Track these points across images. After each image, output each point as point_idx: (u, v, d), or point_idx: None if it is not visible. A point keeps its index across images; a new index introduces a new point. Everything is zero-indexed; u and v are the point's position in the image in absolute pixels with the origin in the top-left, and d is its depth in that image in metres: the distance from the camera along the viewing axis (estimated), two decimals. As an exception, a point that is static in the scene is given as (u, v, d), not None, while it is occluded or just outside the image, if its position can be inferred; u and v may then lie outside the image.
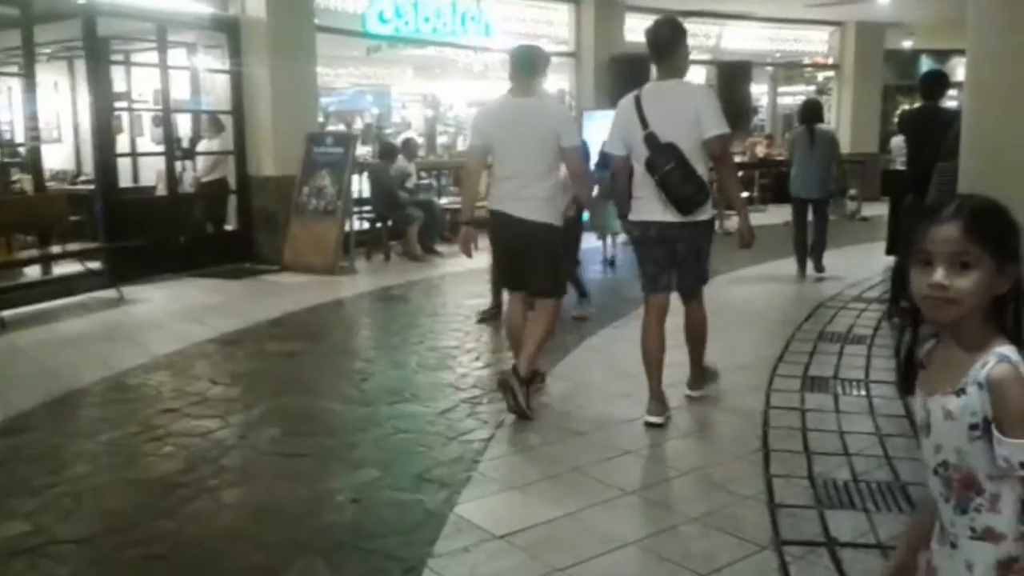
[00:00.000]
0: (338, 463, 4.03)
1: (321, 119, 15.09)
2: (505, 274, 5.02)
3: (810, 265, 8.75)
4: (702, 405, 4.85)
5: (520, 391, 4.48)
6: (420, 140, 14.31)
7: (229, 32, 9.69)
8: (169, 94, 9.34)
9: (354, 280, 9.10)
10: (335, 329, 7.05)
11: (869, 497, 3.53)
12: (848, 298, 7.66)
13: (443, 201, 12.57)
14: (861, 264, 9.71)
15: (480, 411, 4.73)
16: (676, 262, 4.46)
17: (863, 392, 4.94)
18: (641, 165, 4.37)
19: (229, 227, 10.22)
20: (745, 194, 4.93)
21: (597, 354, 5.99)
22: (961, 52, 19.21)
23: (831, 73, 18.21)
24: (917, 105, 7.61)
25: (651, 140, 4.30)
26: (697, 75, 16.56)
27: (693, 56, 15.20)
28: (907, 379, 1.65)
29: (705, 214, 4.42)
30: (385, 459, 4.09)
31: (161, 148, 9.71)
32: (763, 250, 9.19)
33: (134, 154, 11.02)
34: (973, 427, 1.47)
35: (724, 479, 3.75)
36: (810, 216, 8.79)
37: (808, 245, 8.77)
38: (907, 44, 19.80)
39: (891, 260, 9.23)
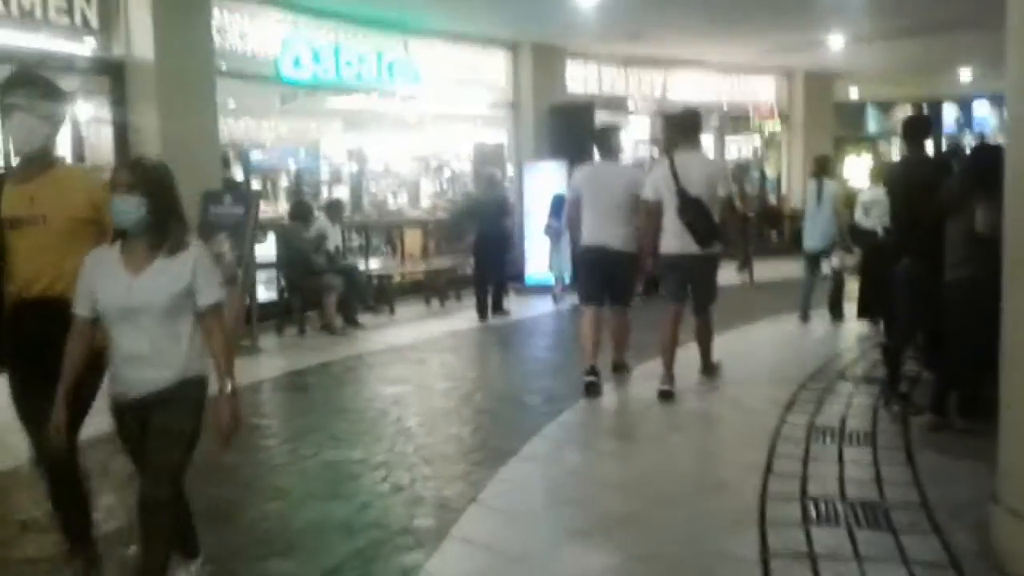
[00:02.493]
0: None
1: (242, 177, 13.87)
2: (593, 290, 6.37)
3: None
4: (678, 560, 3.64)
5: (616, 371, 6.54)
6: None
7: (113, 76, 8.42)
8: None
9: (256, 362, 7.74)
10: (209, 435, 5.63)
11: None
12: (832, 375, 6.59)
13: (373, 265, 11.38)
14: (832, 331, 8.75)
15: (378, 571, 3.45)
16: (692, 283, 6.08)
17: (884, 523, 3.77)
18: (673, 210, 5.91)
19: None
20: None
21: (538, 465, 4.76)
22: (906, 102, 18.96)
23: (777, 125, 17.55)
24: (901, 156, 6.69)
25: (683, 194, 5.86)
26: (643, 125, 15.77)
27: (638, 106, 14.14)
28: None
29: (716, 248, 6.03)
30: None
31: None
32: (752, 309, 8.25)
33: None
34: None
35: None
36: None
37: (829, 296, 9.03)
38: (853, 95, 19.37)
39: (863, 327, 8.30)
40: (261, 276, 9.28)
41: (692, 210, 5.83)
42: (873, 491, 4.15)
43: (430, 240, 12.62)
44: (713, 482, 4.35)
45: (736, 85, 16.50)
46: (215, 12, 9.11)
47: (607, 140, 6.54)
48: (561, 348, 8.68)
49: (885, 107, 20.96)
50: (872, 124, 21.12)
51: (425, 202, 14.67)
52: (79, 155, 9.15)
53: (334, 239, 9.72)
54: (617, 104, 14.54)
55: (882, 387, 5.89)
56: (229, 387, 2.94)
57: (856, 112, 20.63)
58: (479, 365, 7.97)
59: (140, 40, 8.32)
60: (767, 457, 4.67)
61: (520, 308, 10.45)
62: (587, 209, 6.24)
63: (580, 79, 14.07)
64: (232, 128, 14.06)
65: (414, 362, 7.66)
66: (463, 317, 10.04)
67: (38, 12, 7.77)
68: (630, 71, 14.88)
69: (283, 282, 9.32)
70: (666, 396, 5.98)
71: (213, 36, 9.01)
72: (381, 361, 7.74)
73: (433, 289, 11.11)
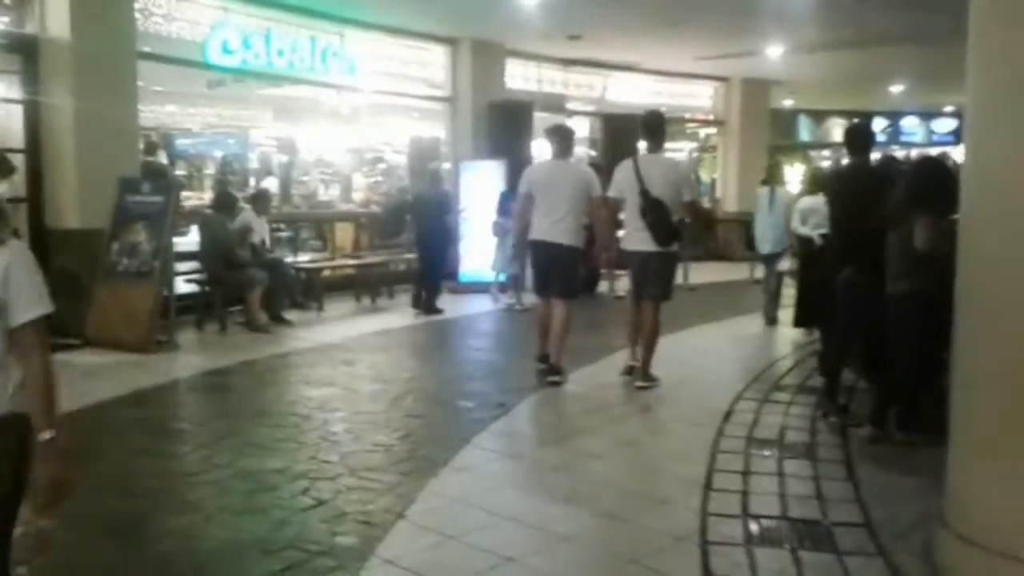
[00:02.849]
0: None
1: (165, 161, 13.29)
2: (540, 283, 6.58)
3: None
4: None
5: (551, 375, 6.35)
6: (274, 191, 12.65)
7: (25, 54, 7.89)
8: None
9: (172, 360, 7.34)
10: (115, 441, 5.22)
11: None
12: (767, 386, 6.49)
13: (302, 259, 10.97)
14: (767, 337, 8.73)
15: (293, 596, 3.17)
16: (647, 278, 6.23)
17: (828, 544, 3.64)
18: (636, 210, 6.12)
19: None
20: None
21: (471, 477, 4.51)
22: (837, 113, 19.34)
23: (714, 130, 17.65)
24: (844, 162, 6.63)
25: (645, 195, 6.07)
26: (581, 126, 15.65)
27: (576, 107, 14.37)
28: None
29: (675, 247, 6.27)
30: None
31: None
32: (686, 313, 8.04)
33: None
34: None
35: None
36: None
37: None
38: (787, 103, 19.60)
39: (799, 334, 8.28)
40: (182, 268, 8.84)
41: (653, 211, 6.03)
42: (815, 509, 4.02)
43: (362, 234, 12.26)
44: (653, 498, 4.18)
45: (674, 89, 16.50)
46: (138, -9, 8.63)
47: (560, 139, 6.68)
48: (496, 349, 8.49)
49: (817, 116, 21.32)
50: (804, 133, 21.46)
51: (358, 195, 14.29)
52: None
53: (260, 231, 9.32)
54: (556, 104, 14.37)
55: (820, 397, 5.82)
56: (48, 434, 2.22)
57: (789, 120, 20.92)
58: (410, 366, 7.67)
59: (55, 17, 7.81)
60: (707, 471, 4.52)
61: (455, 307, 10.20)
62: (537, 205, 6.41)
63: (520, 78, 13.85)
64: (157, 113, 13.48)
65: (342, 362, 7.34)
66: (395, 315, 9.75)
67: (-58, -17, 7.23)
68: (569, 72, 14.73)
69: (205, 275, 8.87)
70: (632, 371, 6.38)
71: (134, 16, 8.51)
72: (307, 361, 7.40)
73: (364, 285, 10.78)
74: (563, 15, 10.99)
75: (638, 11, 10.95)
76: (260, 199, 9.83)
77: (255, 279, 8.63)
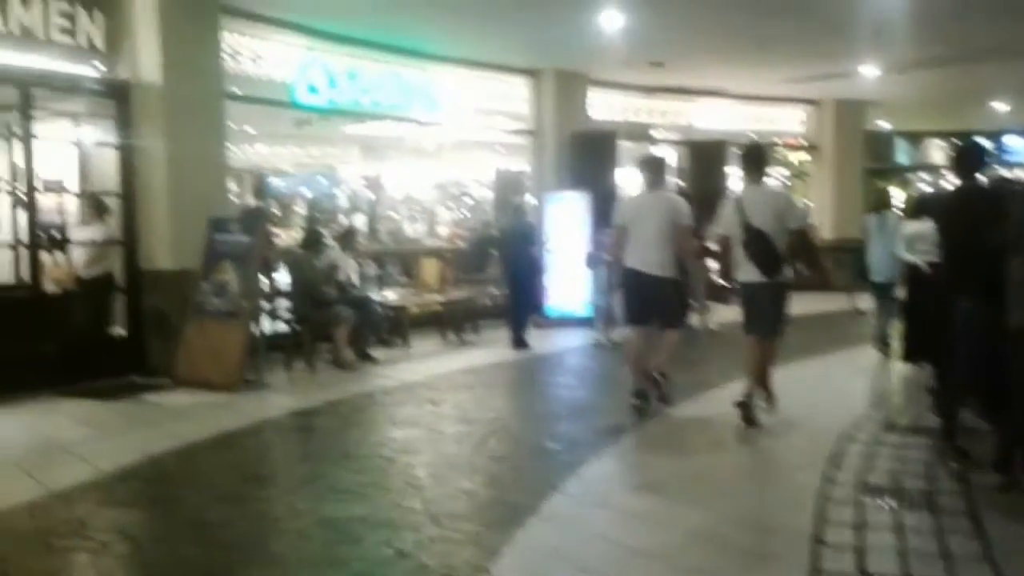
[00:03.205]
0: None
1: (258, 203, 13.55)
2: (634, 313, 6.56)
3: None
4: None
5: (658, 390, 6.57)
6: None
7: (118, 99, 8.10)
8: (33, 171, 7.56)
9: (261, 399, 7.32)
10: (198, 486, 5.13)
11: None
12: (877, 426, 6.05)
13: (388, 295, 10.94)
14: (875, 371, 8.23)
15: (372, 660, 2.99)
16: (757, 310, 6.13)
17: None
18: (741, 242, 6.07)
19: (119, 332, 8.43)
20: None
21: (560, 527, 4.27)
22: (935, 134, 18.35)
23: (806, 155, 17.06)
24: (954, 185, 6.19)
25: (747, 227, 6.03)
26: (668, 154, 15.35)
27: (661, 135, 14.12)
28: None
29: (783, 277, 6.08)
30: None
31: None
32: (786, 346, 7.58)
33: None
34: None
35: None
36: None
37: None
38: (882, 125, 18.84)
39: (909, 369, 7.76)
40: (272, 307, 8.90)
41: (755, 242, 6.00)
42: (940, 569, 3.64)
43: (448, 270, 12.20)
44: (756, 553, 3.86)
45: (762, 114, 16.05)
46: (226, 35, 8.79)
47: (650, 170, 6.72)
48: (586, 387, 8.25)
49: (914, 138, 20.43)
50: (901, 156, 20.58)
51: (443, 230, 14.30)
52: (84, 179, 8.86)
53: (346, 269, 9.34)
54: (640, 133, 14.14)
55: (936, 440, 5.39)
56: None
57: (884, 143, 20.10)
58: (496, 405, 7.48)
59: (147, 62, 8.00)
60: (815, 523, 4.17)
61: (542, 341, 10.01)
62: (631, 236, 6.46)
63: (603, 107, 13.68)
64: (248, 154, 13.80)
65: (427, 401, 7.21)
66: (481, 351, 9.62)
67: (40, 31, 7.44)
68: (653, 99, 14.48)
69: (293, 314, 8.90)
70: (745, 410, 6.11)
71: (222, 59, 8.69)
72: (393, 400, 7.30)
73: (450, 321, 10.68)
74: (645, 42, 10.78)
75: (722, 35, 10.66)
76: (347, 237, 9.91)
77: (342, 317, 8.61)
